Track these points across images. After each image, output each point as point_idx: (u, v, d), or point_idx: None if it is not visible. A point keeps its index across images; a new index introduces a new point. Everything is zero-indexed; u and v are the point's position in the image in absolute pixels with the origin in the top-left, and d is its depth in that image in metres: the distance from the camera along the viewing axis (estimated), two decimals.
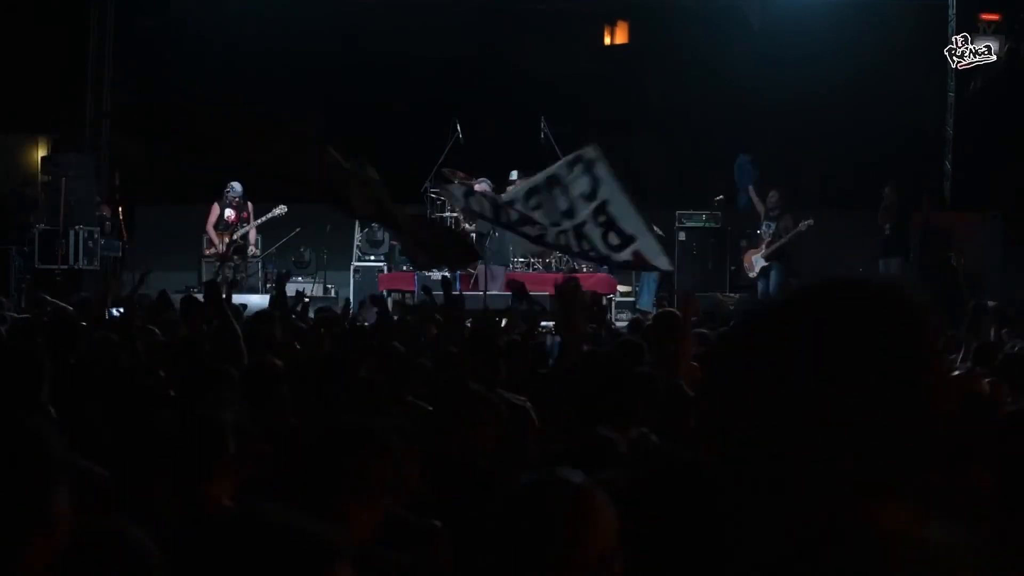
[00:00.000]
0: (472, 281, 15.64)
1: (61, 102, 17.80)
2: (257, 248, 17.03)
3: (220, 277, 16.28)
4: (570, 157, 10.29)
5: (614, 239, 9.97)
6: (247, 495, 3.73)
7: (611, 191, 9.97)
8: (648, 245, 10.04)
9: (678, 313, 8.92)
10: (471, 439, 4.30)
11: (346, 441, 3.30)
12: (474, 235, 16.24)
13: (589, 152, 10.12)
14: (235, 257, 16.72)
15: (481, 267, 15.38)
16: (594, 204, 9.90)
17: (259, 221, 16.55)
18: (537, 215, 10.06)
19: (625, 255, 10.02)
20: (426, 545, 3.50)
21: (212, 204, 16.54)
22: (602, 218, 9.93)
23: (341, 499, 3.21)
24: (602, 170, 9.99)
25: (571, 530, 2.28)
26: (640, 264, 10.42)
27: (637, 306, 16.30)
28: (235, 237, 16.72)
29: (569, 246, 10.28)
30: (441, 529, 3.60)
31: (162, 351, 6.71)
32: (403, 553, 3.32)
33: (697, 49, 18.03)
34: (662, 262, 10.38)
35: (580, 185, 10.01)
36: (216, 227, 16.54)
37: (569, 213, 9.99)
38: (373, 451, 3.29)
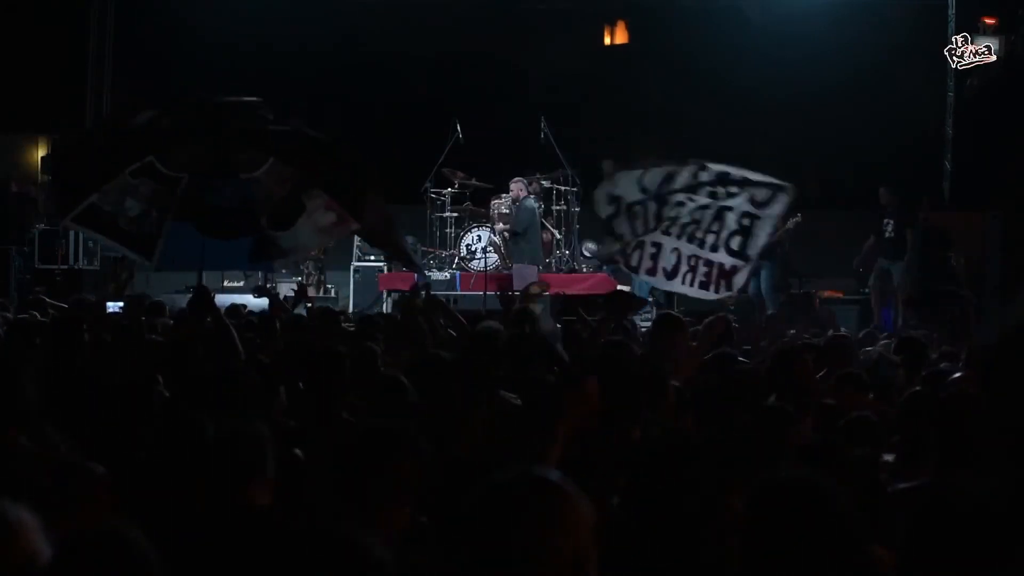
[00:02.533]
0: (472, 281, 15.64)
1: (61, 102, 17.79)
2: None
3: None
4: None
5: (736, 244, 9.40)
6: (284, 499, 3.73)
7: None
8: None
9: (676, 314, 8.93)
10: (466, 436, 4.28)
11: (382, 444, 3.30)
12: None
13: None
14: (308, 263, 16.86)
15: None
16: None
17: None
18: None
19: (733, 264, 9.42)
20: None
21: None
22: (746, 221, 9.51)
23: (375, 501, 3.21)
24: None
25: (543, 527, 2.24)
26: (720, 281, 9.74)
27: None
28: None
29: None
30: None
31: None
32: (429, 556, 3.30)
33: (697, 49, 18.01)
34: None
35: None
36: None
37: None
38: (406, 453, 3.29)
